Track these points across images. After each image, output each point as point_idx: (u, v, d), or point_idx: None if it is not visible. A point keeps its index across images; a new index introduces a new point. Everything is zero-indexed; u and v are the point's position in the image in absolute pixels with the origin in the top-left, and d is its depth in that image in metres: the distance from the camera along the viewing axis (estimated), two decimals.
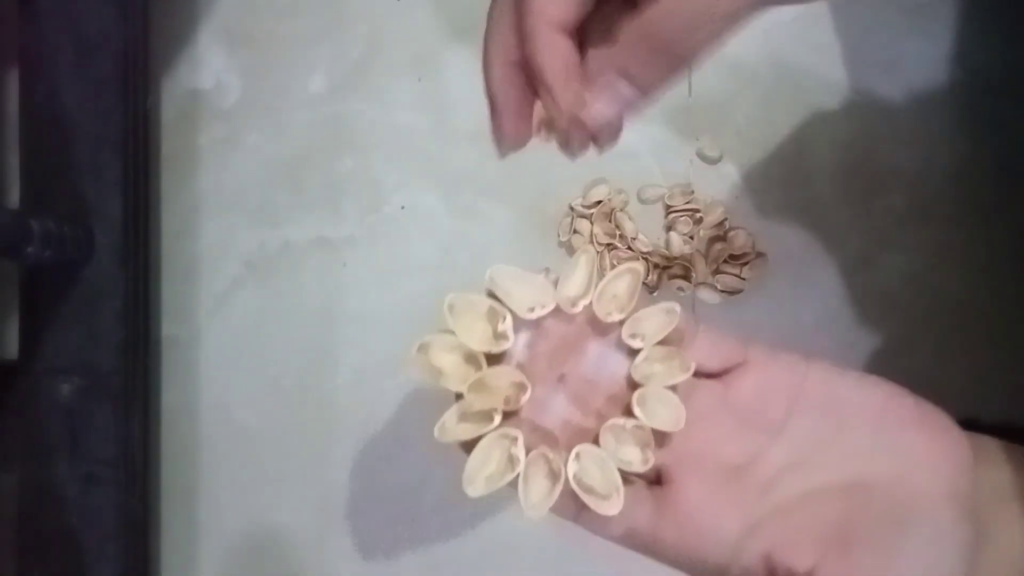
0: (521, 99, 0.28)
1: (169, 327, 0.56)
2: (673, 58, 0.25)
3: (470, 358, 0.28)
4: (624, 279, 0.29)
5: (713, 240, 0.52)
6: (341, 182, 0.56)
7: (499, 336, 0.28)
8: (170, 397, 0.56)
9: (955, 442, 0.27)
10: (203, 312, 0.56)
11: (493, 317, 0.28)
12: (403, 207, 0.55)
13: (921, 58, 0.53)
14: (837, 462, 0.27)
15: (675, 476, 0.28)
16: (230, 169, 0.57)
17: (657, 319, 0.29)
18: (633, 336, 0.29)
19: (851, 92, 0.53)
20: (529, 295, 0.29)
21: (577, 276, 0.29)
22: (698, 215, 0.52)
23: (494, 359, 0.29)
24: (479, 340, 0.28)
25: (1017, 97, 0.52)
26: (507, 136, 0.28)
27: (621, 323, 0.29)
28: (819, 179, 0.53)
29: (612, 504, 0.27)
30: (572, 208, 0.53)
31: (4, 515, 0.51)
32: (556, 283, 0.29)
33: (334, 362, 0.55)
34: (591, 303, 0.29)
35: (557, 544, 0.53)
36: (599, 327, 0.29)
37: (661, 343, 0.28)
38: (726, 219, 0.52)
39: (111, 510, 0.51)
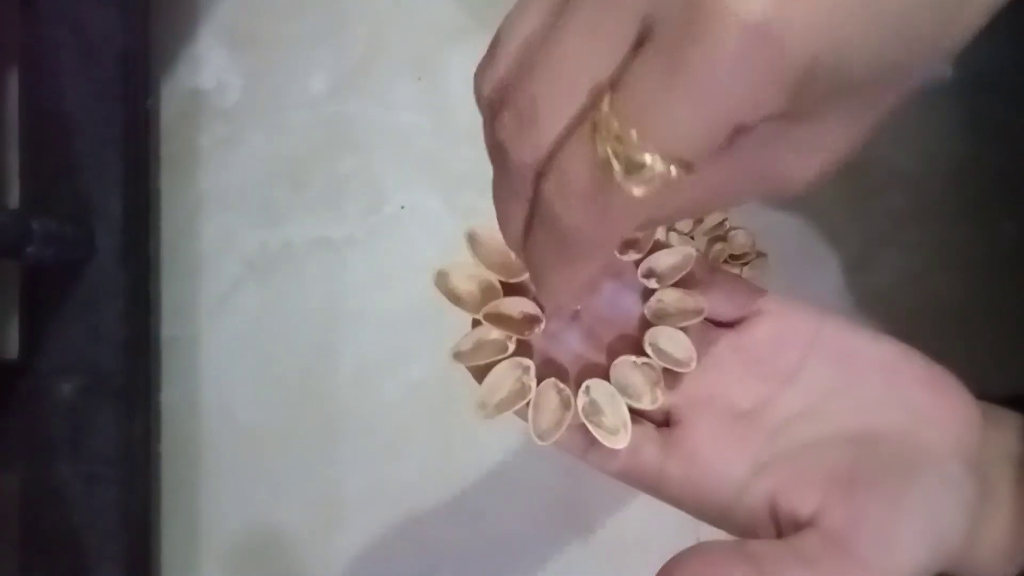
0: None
1: (170, 327, 0.56)
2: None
3: (488, 288, 0.29)
4: None
5: (713, 240, 0.53)
6: (342, 182, 0.56)
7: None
8: (171, 396, 0.56)
9: (965, 401, 0.28)
10: (204, 312, 0.56)
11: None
12: (403, 207, 0.55)
13: None
14: (847, 413, 0.28)
15: (684, 418, 0.28)
16: (231, 169, 0.57)
17: (673, 261, 0.29)
18: (648, 276, 0.29)
19: None
20: None
21: None
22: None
23: (511, 290, 0.29)
24: (497, 269, 0.28)
25: (1017, 97, 0.52)
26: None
27: (637, 263, 0.29)
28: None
29: (620, 438, 0.27)
30: None
31: (6, 514, 0.51)
32: None
33: (335, 361, 0.55)
34: None
35: (557, 545, 0.53)
36: (615, 266, 0.29)
37: (675, 285, 0.29)
38: (726, 219, 0.52)
39: (112, 509, 0.51)
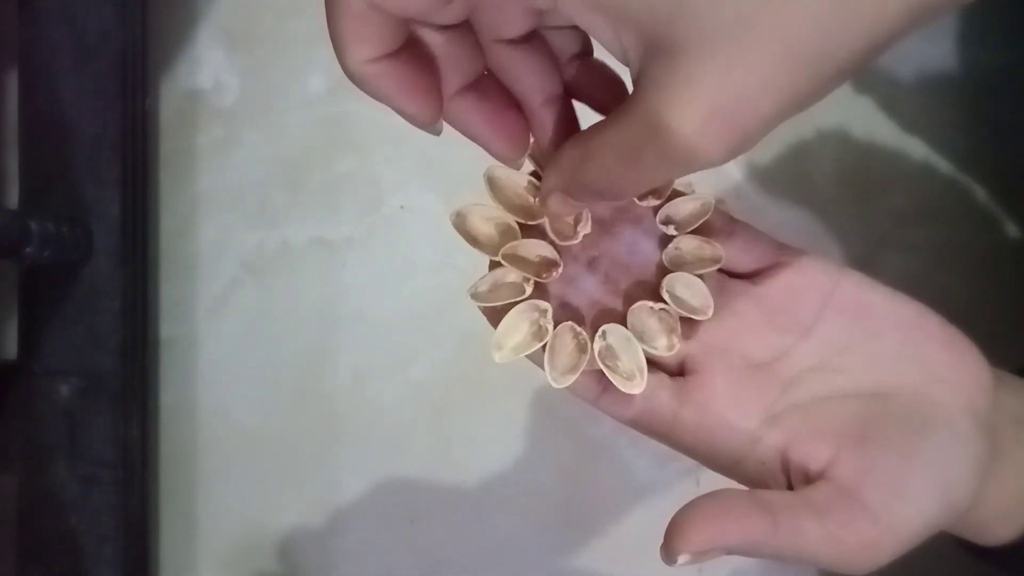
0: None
1: (168, 328, 0.56)
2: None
3: (506, 230, 0.28)
4: None
5: None
6: (340, 182, 0.56)
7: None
8: (169, 398, 0.56)
9: (977, 362, 0.28)
10: (202, 313, 0.56)
11: (532, 190, 0.29)
12: (402, 207, 0.55)
13: (922, 58, 0.52)
14: (861, 368, 0.28)
15: (699, 367, 0.28)
16: (229, 169, 0.57)
17: (692, 208, 0.29)
18: (667, 223, 0.29)
19: (852, 92, 0.53)
20: None
21: None
22: None
23: (529, 232, 0.29)
24: (517, 210, 0.28)
25: (1017, 98, 0.52)
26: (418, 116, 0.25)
27: (656, 209, 0.29)
28: (820, 179, 0.53)
29: (635, 384, 0.27)
30: None
31: (3, 516, 0.51)
32: None
33: (333, 362, 0.55)
34: None
35: (557, 545, 0.53)
36: (634, 212, 0.29)
37: (694, 233, 0.29)
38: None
39: (110, 511, 0.51)
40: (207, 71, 0.57)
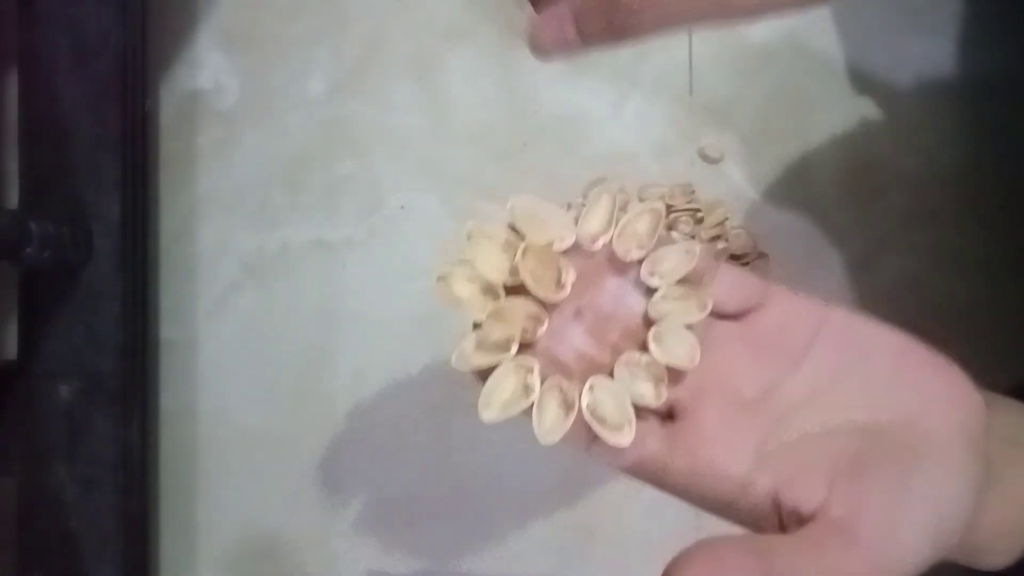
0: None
1: (168, 329, 0.56)
2: (625, 27, 0.24)
3: (488, 288, 0.28)
4: (645, 218, 0.29)
5: (714, 240, 0.52)
6: (340, 183, 0.56)
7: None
8: (169, 399, 0.56)
9: (968, 388, 0.28)
10: (202, 314, 0.56)
11: (510, 248, 0.29)
12: (402, 208, 0.55)
13: (923, 60, 0.52)
14: (851, 400, 0.28)
15: (688, 410, 0.28)
16: (229, 170, 0.57)
17: (676, 258, 0.29)
18: (652, 274, 0.29)
19: (853, 93, 0.53)
20: (550, 228, 0.29)
21: (598, 212, 0.29)
22: (699, 215, 0.52)
23: (512, 290, 0.29)
24: (497, 270, 0.28)
25: (1018, 99, 0.52)
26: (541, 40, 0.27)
27: (640, 261, 0.29)
28: (821, 180, 0.52)
29: (624, 436, 0.27)
30: (571, 207, 0.53)
31: (3, 518, 0.51)
32: (577, 219, 0.29)
33: (333, 364, 0.55)
34: (611, 240, 0.29)
35: (557, 545, 0.53)
36: (618, 264, 0.29)
37: (679, 282, 0.29)
38: (727, 219, 0.52)
39: (110, 513, 0.50)
40: (207, 72, 0.57)
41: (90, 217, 0.51)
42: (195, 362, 0.56)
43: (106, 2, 0.51)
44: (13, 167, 0.52)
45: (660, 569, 0.24)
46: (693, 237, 0.52)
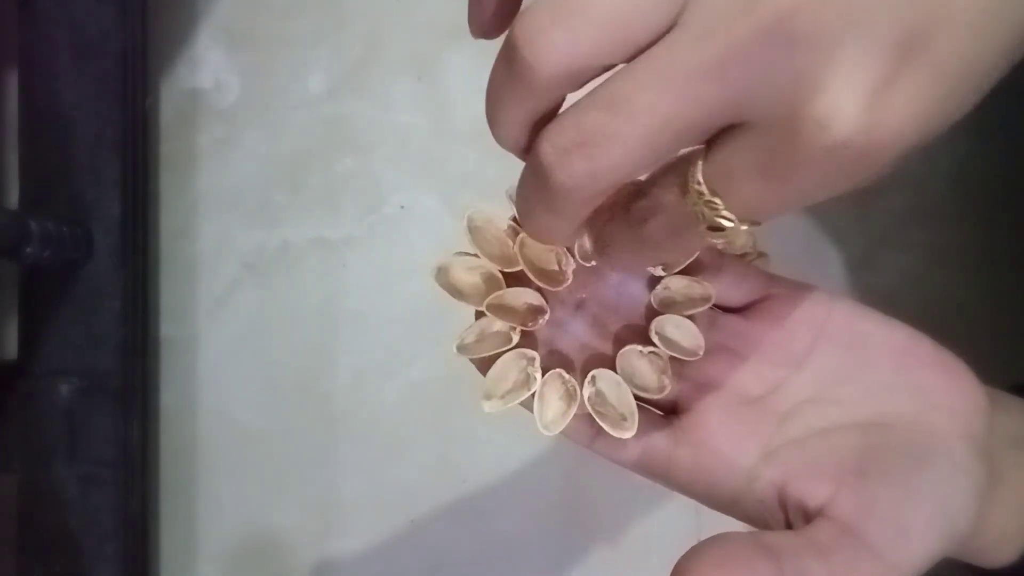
0: None
1: (168, 328, 0.56)
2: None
3: (490, 278, 0.28)
4: None
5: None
6: (340, 182, 0.56)
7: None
8: (169, 398, 0.56)
9: (972, 386, 0.28)
10: (202, 313, 0.56)
11: (512, 236, 0.28)
12: (403, 207, 0.55)
13: None
14: (857, 398, 0.27)
15: (692, 404, 0.28)
16: (229, 169, 0.57)
17: None
18: (655, 264, 0.29)
19: None
20: None
21: None
22: None
23: (513, 279, 0.29)
24: (498, 260, 0.28)
25: (1018, 98, 0.52)
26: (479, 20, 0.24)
27: None
28: None
29: (626, 428, 0.27)
30: None
31: (3, 516, 0.51)
32: None
33: (333, 362, 0.55)
34: None
35: (557, 545, 0.53)
36: None
37: (683, 272, 0.28)
38: None
39: (110, 511, 0.51)
40: (207, 71, 0.57)
41: (90, 216, 0.51)
42: (195, 361, 0.56)
43: (106, 2, 0.51)
44: (13, 167, 0.52)
45: (660, 569, 0.24)
46: None
